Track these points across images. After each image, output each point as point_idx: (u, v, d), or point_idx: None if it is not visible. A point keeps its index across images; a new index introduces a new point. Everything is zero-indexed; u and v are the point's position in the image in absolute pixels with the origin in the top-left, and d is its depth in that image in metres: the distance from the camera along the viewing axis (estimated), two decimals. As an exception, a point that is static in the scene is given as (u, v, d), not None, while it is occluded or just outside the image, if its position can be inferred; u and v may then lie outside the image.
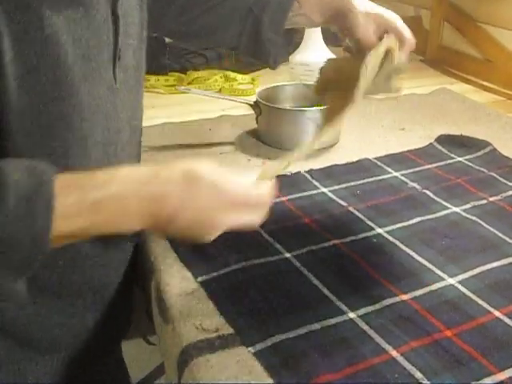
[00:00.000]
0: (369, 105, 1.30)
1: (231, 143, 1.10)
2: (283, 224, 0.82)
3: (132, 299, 0.83)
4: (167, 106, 1.30)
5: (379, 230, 0.81)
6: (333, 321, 0.64)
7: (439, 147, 1.08)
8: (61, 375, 0.71)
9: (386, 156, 1.04)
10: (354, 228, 0.81)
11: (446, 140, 1.10)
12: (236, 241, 0.77)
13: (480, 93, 1.45)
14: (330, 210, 0.86)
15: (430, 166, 1.01)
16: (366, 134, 1.14)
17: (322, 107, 1.03)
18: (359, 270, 0.72)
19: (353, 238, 0.79)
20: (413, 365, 0.58)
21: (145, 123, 1.18)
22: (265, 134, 1.10)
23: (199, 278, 0.71)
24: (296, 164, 1.00)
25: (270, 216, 0.84)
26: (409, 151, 1.06)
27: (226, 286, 0.69)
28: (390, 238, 0.79)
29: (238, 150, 1.07)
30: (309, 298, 0.67)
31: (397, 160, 1.03)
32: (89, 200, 0.50)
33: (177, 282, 0.70)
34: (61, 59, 0.56)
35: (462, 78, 1.55)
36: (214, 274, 0.71)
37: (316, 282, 0.70)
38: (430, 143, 1.09)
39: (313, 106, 1.04)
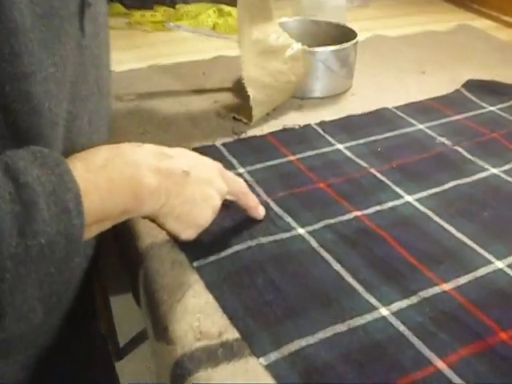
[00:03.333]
0: (381, 43, 1.15)
1: (228, 89, 0.95)
2: (293, 190, 0.69)
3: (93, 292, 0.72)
4: (154, 46, 1.14)
5: (408, 198, 0.68)
6: (361, 320, 0.52)
7: (467, 94, 0.94)
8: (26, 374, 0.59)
9: (408, 105, 0.90)
10: (378, 195, 0.68)
11: (474, 86, 0.96)
12: (237, 214, 0.64)
13: (503, 30, 1.30)
14: (348, 172, 0.73)
15: (458, 117, 0.87)
16: (382, 78, 1.00)
17: (333, 46, 0.88)
18: (388, 250, 0.60)
19: (377, 208, 0.66)
20: (463, 379, 0.47)
21: (128, 66, 1.03)
22: (267, 78, 0.95)
23: (195, 263, 0.58)
24: (303, 115, 0.86)
25: (277, 181, 0.72)
26: (433, 99, 0.92)
27: (229, 273, 0.57)
28: (422, 208, 0.66)
29: (236, 97, 0.92)
30: (330, 289, 0.55)
31: (420, 109, 0.89)
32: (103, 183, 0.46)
33: (167, 268, 0.58)
34: (17, 25, 0.41)
35: (481, 13, 1.39)
36: (213, 257, 0.59)
37: (337, 266, 0.58)
38: (457, 90, 0.95)
39: (322, 45, 0.89)
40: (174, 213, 0.53)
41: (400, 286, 0.56)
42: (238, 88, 0.84)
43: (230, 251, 0.59)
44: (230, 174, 0.59)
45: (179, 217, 0.53)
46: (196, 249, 0.60)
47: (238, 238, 0.61)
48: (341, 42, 0.91)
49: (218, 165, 0.58)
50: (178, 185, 0.52)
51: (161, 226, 0.55)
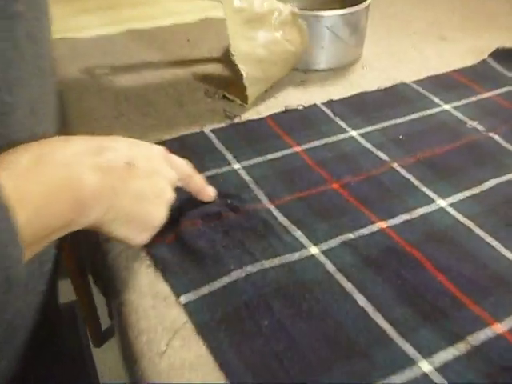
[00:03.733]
0: (393, 3, 1.01)
1: (218, 60, 0.81)
2: (301, 193, 0.57)
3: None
4: (130, 7, 0.98)
5: (441, 203, 0.56)
6: (398, 379, 0.40)
7: (496, 66, 0.81)
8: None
9: (429, 79, 0.77)
10: (405, 199, 0.56)
11: (504, 55, 0.82)
12: (233, 226, 0.52)
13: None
14: (366, 168, 0.60)
15: (489, 95, 0.74)
16: (396, 46, 0.86)
17: (342, 10, 0.75)
18: (423, 276, 0.48)
19: (406, 216, 0.54)
20: None
21: (99, 31, 0.88)
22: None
23: (182, 298, 0.46)
24: (307, 92, 0.73)
25: (281, 180, 0.59)
26: (457, 71, 0.79)
27: (226, 313, 0.45)
28: (459, 217, 0.54)
29: (228, 70, 0.78)
30: (356, 335, 0.43)
31: (444, 85, 0.76)
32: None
33: (147, 305, 0.45)
34: None
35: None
36: (205, 288, 0.46)
37: (362, 301, 0.46)
38: (483, 60, 0.82)
39: (328, 9, 0.75)
40: (123, 215, 0.43)
41: (442, 328, 0.44)
42: (229, 59, 0.70)
43: (226, 280, 0.47)
44: (173, 156, 0.50)
45: (129, 220, 0.44)
46: (183, 278, 0.47)
47: (235, 261, 0.49)
48: (350, 5, 0.77)
49: (160, 149, 0.49)
50: (123, 180, 0.43)
51: (108, 235, 0.44)
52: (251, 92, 0.68)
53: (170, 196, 0.47)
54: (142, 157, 0.45)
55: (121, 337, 0.45)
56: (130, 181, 0.43)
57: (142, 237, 0.46)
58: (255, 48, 0.68)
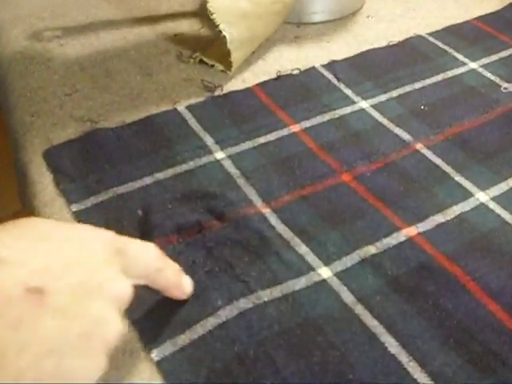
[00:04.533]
0: None
1: (192, 14, 0.67)
2: (303, 189, 0.44)
3: None
4: None
5: (481, 197, 0.44)
6: None
7: (527, 10, 0.67)
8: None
9: (447, 30, 0.64)
10: (436, 194, 0.44)
11: (535, -3, 0.69)
12: (218, 241, 0.40)
13: None
14: (383, 152, 0.48)
15: (522, 47, 0.61)
16: (405, -12, 0.72)
17: None
18: (467, 303, 0.37)
19: (439, 218, 0.42)
20: None
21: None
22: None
23: (155, 352, 0.34)
24: (303, 51, 0.60)
25: (277, 172, 0.47)
26: (480, 19, 0.66)
27: (214, 372, 0.33)
28: (505, 215, 0.43)
29: (205, 26, 0.64)
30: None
31: (466, 37, 0.62)
32: None
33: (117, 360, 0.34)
34: None
35: None
36: (185, 335, 0.35)
37: (391, 344, 0.34)
38: (510, 3, 0.69)
39: None
40: (24, 381, 0.25)
41: (503, 382, 0.33)
42: (207, 14, 0.56)
43: (211, 323, 0.35)
44: (132, 245, 0.32)
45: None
46: (156, 323, 0.35)
47: (222, 293, 0.37)
48: None
49: (106, 237, 0.31)
50: (23, 326, 0.25)
51: None
52: (236, 57, 0.55)
53: (112, 331, 0.28)
54: (63, 269, 0.27)
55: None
56: (35, 323, 0.25)
57: None
58: (237, 0, 0.54)
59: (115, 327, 0.28)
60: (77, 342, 0.26)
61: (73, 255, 0.28)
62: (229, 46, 0.53)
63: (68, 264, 0.27)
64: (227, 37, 0.52)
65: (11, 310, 0.25)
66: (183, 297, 0.36)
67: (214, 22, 0.52)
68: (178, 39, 0.62)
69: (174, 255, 0.39)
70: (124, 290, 0.30)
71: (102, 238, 0.30)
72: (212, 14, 0.52)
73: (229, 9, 0.53)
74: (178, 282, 0.35)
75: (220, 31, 0.52)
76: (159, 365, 0.34)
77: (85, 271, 0.28)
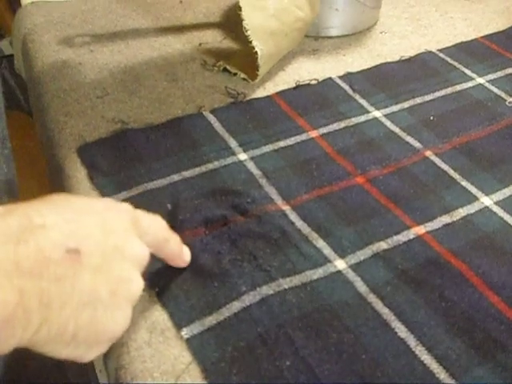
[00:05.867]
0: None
1: (216, 25, 0.71)
2: (321, 190, 0.48)
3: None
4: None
5: (485, 201, 0.47)
6: None
7: (532, 30, 0.71)
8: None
9: (457, 46, 0.68)
10: (444, 197, 0.48)
11: (540, 18, 0.73)
12: (242, 234, 0.43)
13: None
14: (395, 157, 0.51)
15: (527, 65, 0.65)
16: (416, 7, 0.76)
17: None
18: (471, 297, 0.40)
19: (446, 219, 0.46)
20: None
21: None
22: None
23: (185, 331, 0.38)
24: (320, 63, 0.63)
25: (296, 173, 0.50)
26: (487, 37, 0.70)
27: (238, 350, 0.36)
28: (508, 219, 0.46)
29: (228, 36, 0.68)
30: (398, 377, 0.35)
31: (474, 53, 0.66)
32: None
33: (140, 338, 0.37)
34: None
35: None
36: (212, 317, 0.38)
37: (401, 330, 0.38)
38: (516, 23, 0.72)
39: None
40: (65, 333, 0.29)
41: (502, 366, 0.36)
42: (230, 23, 0.60)
43: (236, 307, 0.39)
44: (144, 217, 0.36)
45: (76, 335, 0.30)
46: (185, 304, 0.39)
47: (246, 280, 0.40)
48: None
49: (126, 210, 0.35)
50: (64, 281, 0.29)
51: (47, 354, 0.30)
52: (263, 70, 0.59)
53: (135, 288, 0.33)
54: (94, 233, 0.31)
55: (110, 382, 0.37)
56: (74, 279, 0.29)
57: (96, 351, 0.32)
58: (267, 19, 0.57)
59: (137, 285, 0.33)
60: (107, 298, 0.31)
61: (99, 223, 0.32)
62: (259, 61, 0.57)
63: (96, 230, 0.31)
64: (258, 53, 0.56)
65: (54, 268, 0.28)
66: (183, 265, 0.41)
67: (248, 38, 0.56)
68: (203, 48, 0.66)
69: (202, 246, 0.42)
70: (143, 253, 0.34)
71: (121, 209, 0.35)
72: (247, 31, 0.55)
73: (261, 27, 0.56)
74: (181, 252, 0.40)
75: (252, 46, 0.56)
76: (188, 342, 0.37)
77: (110, 236, 0.32)
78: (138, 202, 0.46)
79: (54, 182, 0.55)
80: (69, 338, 0.29)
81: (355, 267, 0.42)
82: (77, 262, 0.29)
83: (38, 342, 0.29)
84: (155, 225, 0.37)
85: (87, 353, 0.31)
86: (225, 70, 0.62)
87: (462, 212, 0.46)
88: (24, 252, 0.27)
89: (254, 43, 0.56)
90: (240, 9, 0.55)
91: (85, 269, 0.30)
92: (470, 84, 0.61)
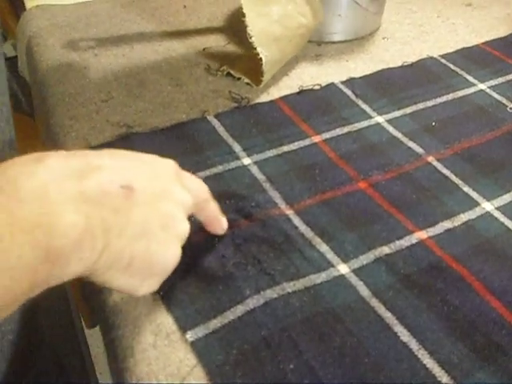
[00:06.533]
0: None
1: (219, 30, 0.71)
2: (324, 194, 0.48)
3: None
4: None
5: (487, 206, 0.48)
6: None
7: (533, 36, 0.72)
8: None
9: (458, 52, 0.68)
10: (446, 203, 0.48)
11: (541, 24, 0.73)
12: (246, 238, 0.44)
13: None
14: (397, 163, 0.52)
15: (528, 71, 0.65)
16: (418, 13, 0.77)
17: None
18: (473, 301, 0.40)
19: (447, 224, 0.46)
20: None
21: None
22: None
23: (190, 334, 0.38)
24: (323, 68, 0.64)
25: (300, 178, 0.51)
26: (489, 43, 0.70)
27: (241, 352, 0.37)
28: (510, 224, 0.46)
29: (231, 41, 0.69)
30: (402, 379, 0.36)
31: (475, 59, 0.67)
32: None
33: (146, 340, 0.37)
34: None
35: None
36: (217, 320, 0.39)
37: (404, 334, 0.38)
38: (517, 29, 0.73)
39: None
40: (122, 260, 0.33)
41: (504, 371, 0.36)
42: (234, 28, 0.60)
43: (240, 310, 0.39)
44: (187, 174, 0.40)
45: (131, 264, 0.33)
46: (190, 307, 0.39)
47: (250, 284, 0.41)
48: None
49: (170, 164, 0.39)
50: (120, 212, 0.32)
51: (103, 285, 0.34)
52: (267, 76, 0.59)
53: (183, 226, 0.37)
54: (144, 176, 0.35)
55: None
56: (128, 211, 0.32)
57: (149, 285, 0.36)
58: (271, 25, 0.58)
59: (184, 224, 0.37)
60: (158, 231, 0.34)
61: (149, 169, 0.36)
62: (263, 67, 0.57)
63: (146, 174, 0.35)
64: (263, 59, 0.57)
65: (112, 200, 0.31)
66: (221, 232, 0.43)
67: (252, 45, 0.56)
68: (206, 53, 0.66)
69: (207, 248, 0.43)
70: (188, 199, 0.37)
71: (168, 162, 0.38)
72: (251, 37, 0.56)
73: (264, 32, 0.57)
74: (219, 215, 0.42)
75: (257, 53, 0.56)
76: (193, 345, 0.37)
77: (159, 180, 0.36)
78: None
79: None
80: (125, 265, 0.33)
81: (358, 271, 0.42)
82: (130, 197, 0.33)
83: (98, 270, 0.31)
84: (198, 184, 0.40)
85: (141, 285, 0.35)
86: (229, 74, 0.62)
87: (464, 217, 0.47)
88: (86, 184, 0.30)
89: (259, 49, 0.56)
90: (244, 15, 0.56)
91: (138, 203, 0.33)
92: (471, 90, 0.61)
